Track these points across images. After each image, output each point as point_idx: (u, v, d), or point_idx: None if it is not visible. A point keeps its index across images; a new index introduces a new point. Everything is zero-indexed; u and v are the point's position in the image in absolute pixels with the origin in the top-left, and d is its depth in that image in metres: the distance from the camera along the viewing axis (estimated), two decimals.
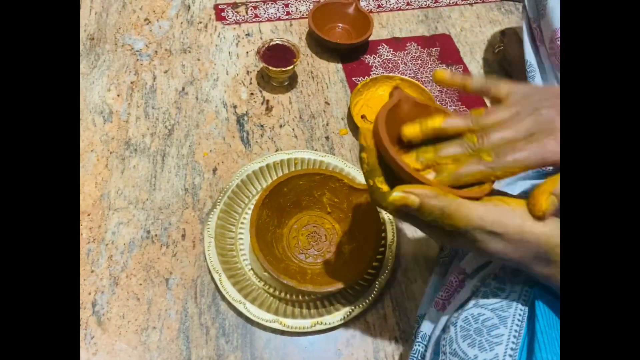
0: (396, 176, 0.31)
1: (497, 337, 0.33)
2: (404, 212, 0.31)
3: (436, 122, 0.33)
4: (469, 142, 0.32)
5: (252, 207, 0.57)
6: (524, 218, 0.29)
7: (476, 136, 0.31)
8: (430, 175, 0.32)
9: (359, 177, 0.59)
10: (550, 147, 0.30)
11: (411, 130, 0.33)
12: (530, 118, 0.32)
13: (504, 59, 0.75)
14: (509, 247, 0.30)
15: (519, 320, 0.34)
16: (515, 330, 0.34)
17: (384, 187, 0.32)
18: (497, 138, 0.31)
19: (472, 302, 0.37)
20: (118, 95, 0.66)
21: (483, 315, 0.35)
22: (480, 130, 0.32)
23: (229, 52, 0.73)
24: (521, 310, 0.35)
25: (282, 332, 0.50)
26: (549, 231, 0.29)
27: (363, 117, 0.66)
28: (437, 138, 0.33)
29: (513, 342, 0.33)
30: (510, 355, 0.32)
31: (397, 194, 0.29)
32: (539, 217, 0.29)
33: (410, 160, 0.32)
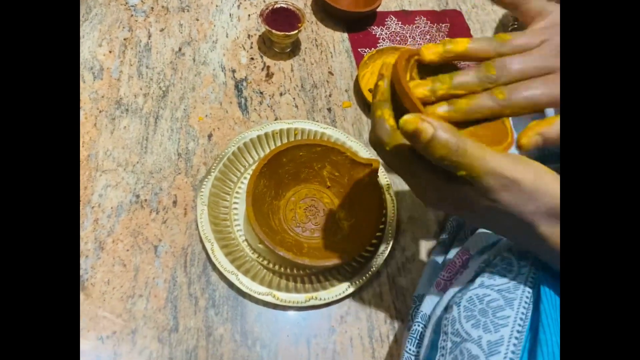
0: (405, 111, 0.28)
1: (503, 318, 0.32)
2: (402, 153, 0.29)
3: (460, 46, 0.31)
4: (486, 73, 0.30)
5: (248, 176, 0.54)
6: (540, 170, 0.28)
7: (494, 67, 0.30)
8: (442, 108, 0.31)
9: (361, 151, 0.56)
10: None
11: (432, 51, 0.31)
12: (553, 53, 0.30)
13: None
14: (522, 198, 0.27)
15: (526, 302, 0.33)
16: (522, 313, 0.32)
17: (391, 121, 0.30)
18: (515, 70, 0.30)
19: (477, 283, 0.35)
20: (110, 52, 0.62)
21: (489, 296, 0.34)
22: (500, 60, 0.30)
23: (230, 14, 0.69)
24: (528, 292, 0.33)
25: (275, 306, 0.48)
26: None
27: (371, 90, 0.63)
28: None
29: (519, 325, 0.31)
30: (517, 338, 0.31)
31: (410, 117, 0.26)
32: (519, 149, 0.29)
33: (422, 95, 0.31)
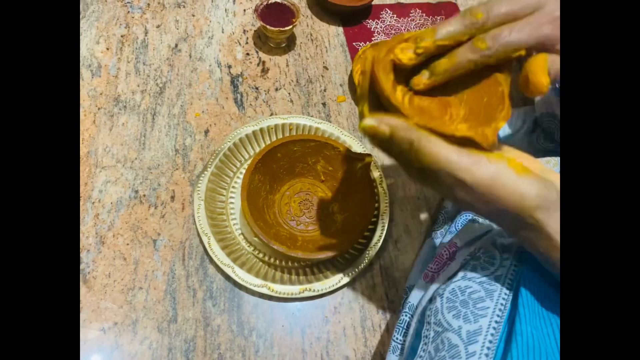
0: (381, 103, 0.30)
1: (483, 309, 0.33)
2: (380, 141, 0.30)
3: (428, 36, 0.30)
4: (472, 18, 0.30)
5: (244, 171, 0.56)
6: (498, 172, 0.27)
7: (481, 11, 0.29)
8: (424, 76, 0.31)
9: (355, 146, 0.57)
10: (548, 31, 0.29)
11: (405, 53, 0.31)
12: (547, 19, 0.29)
13: None
14: (476, 199, 0.28)
15: (505, 294, 0.34)
16: (501, 304, 0.34)
17: (366, 114, 0.30)
18: (501, 12, 0.29)
19: (460, 275, 0.37)
20: (107, 49, 0.63)
21: (470, 288, 0.35)
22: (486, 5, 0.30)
23: (225, 9, 0.70)
24: (509, 284, 0.35)
25: (270, 297, 0.49)
26: (524, 192, 0.27)
27: None
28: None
29: (498, 316, 0.33)
30: (494, 328, 0.32)
31: (368, 122, 0.28)
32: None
33: (400, 92, 0.31)
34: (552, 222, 0.28)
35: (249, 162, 0.56)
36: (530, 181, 0.28)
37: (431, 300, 0.38)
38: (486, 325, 0.32)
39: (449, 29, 0.30)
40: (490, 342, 0.32)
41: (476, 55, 0.30)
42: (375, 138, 0.29)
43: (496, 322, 0.32)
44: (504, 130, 0.62)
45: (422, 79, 0.31)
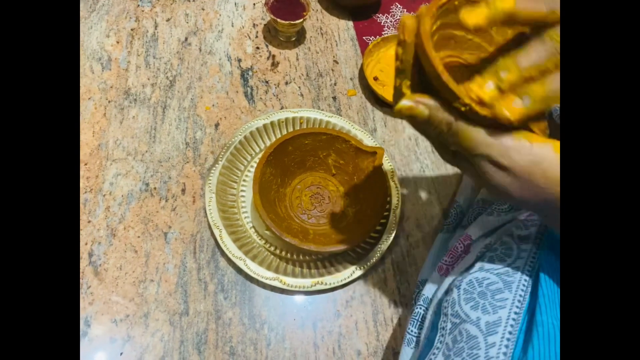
0: (430, 83, 0.26)
1: (502, 300, 0.33)
2: (416, 122, 0.28)
3: (506, 2, 0.25)
4: (552, 42, 0.25)
5: (254, 164, 0.55)
6: (542, 156, 0.25)
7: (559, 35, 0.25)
8: (516, 103, 0.25)
9: (366, 139, 0.57)
10: None
11: (475, 15, 0.25)
12: None
13: None
14: (515, 185, 0.26)
15: (524, 285, 0.34)
16: (520, 295, 0.33)
17: (407, 93, 0.27)
18: None
19: (477, 266, 0.36)
20: (117, 42, 0.63)
21: (488, 279, 0.35)
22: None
23: (235, 3, 0.69)
24: (527, 275, 0.34)
25: (282, 291, 0.49)
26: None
27: (375, 79, 0.63)
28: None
29: (517, 307, 0.32)
30: (514, 319, 0.32)
31: (405, 103, 0.26)
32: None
33: (476, 87, 0.25)
34: None
35: (259, 155, 0.56)
36: None
37: (447, 292, 0.38)
38: (505, 316, 0.32)
39: (533, 60, 0.25)
40: (510, 332, 0.31)
41: None
42: (412, 119, 0.28)
43: (515, 313, 0.32)
44: None
45: (514, 106, 0.25)
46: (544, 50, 0.25)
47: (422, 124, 0.27)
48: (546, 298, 0.31)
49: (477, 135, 0.26)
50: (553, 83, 0.25)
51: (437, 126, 0.27)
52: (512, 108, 0.25)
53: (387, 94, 0.60)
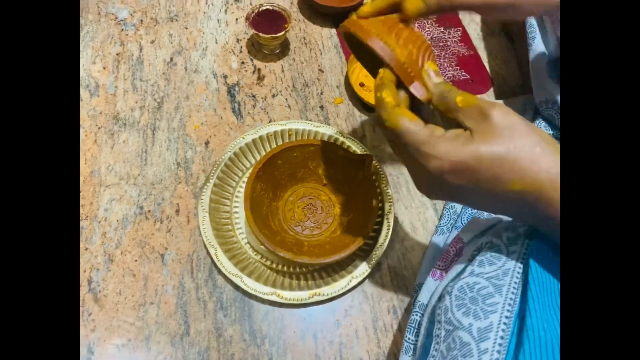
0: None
1: (492, 305, 0.33)
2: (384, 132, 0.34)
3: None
4: None
5: (246, 180, 0.56)
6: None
7: None
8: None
9: (354, 147, 0.57)
10: None
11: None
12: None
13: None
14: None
15: (514, 288, 0.34)
16: (511, 299, 0.33)
17: (389, 99, 0.33)
18: None
19: (467, 271, 0.37)
20: (104, 68, 0.64)
21: (478, 284, 0.35)
22: None
23: (218, 20, 0.70)
24: (517, 278, 0.34)
25: (280, 305, 0.49)
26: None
27: (362, 84, 0.63)
28: None
29: (508, 311, 0.32)
30: (505, 324, 0.32)
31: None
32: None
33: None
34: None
35: (250, 170, 0.56)
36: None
37: (440, 298, 0.38)
38: (497, 321, 0.32)
39: None
40: (502, 337, 0.31)
41: None
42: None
43: (506, 317, 0.32)
44: None
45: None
46: None
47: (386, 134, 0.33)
48: (535, 302, 0.32)
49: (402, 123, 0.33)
50: None
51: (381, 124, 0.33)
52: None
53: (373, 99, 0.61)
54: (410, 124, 0.32)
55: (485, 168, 0.29)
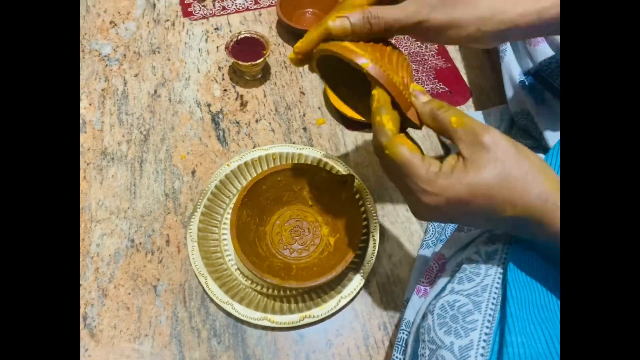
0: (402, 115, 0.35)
1: (472, 322, 0.34)
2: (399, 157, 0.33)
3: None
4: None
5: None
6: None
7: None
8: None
9: (338, 167, 0.59)
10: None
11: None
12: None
13: None
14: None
15: (493, 304, 0.35)
16: (490, 315, 0.34)
17: (389, 125, 0.33)
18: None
19: (448, 289, 0.37)
20: (90, 104, 0.65)
21: (459, 302, 0.36)
22: None
23: (199, 49, 0.71)
24: (495, 294, 0.35)
25: (272, 329, 0.50)
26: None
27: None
28: None
29: (487, 327, 0.33)
30: (485, 341, 0.33)
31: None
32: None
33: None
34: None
35: (235, 198, 0.57)
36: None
37: (424, 317, 0.39)
38: (477, 338, 0.33)
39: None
40: (482, 355, 0.32)
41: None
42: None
43: (486, 334, 0.33)
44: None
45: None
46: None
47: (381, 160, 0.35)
48: (514, 317, 0.32)
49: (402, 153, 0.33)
50: None
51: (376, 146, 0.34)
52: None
53: (355, 113, 0.62)
54: (410, 156, 0.32)
55: (480, 200, 0.30)
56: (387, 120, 0.33)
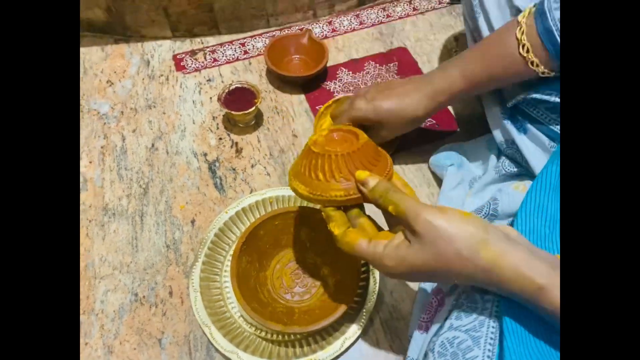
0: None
1: (472, 359, 0.34)
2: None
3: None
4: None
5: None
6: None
7: None
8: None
9: None
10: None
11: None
12: None
13: None
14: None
15: (491, 339, 0.35)
16: (489, 350, 0.35)
17: (336, 230, 0.40)
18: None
19: (447, 325, 0.38)
20: (90, 162, 0.67)
21: (458, 338, 0.36)
22: None
23: (193, 101, 0.74)
24: (493, 327, 0.36)
25: None
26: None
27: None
28: None
29: None
30: None
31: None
32: None
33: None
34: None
35: (234, 245, 0.58)
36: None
37: (425, 355, 0.39)
38: None
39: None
40: None
41: None
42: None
43: None
44: (477, 156, 0.64)
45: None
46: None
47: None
48: (511, 351, 0.33)
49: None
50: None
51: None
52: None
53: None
54: (357, 246, 0.37)
55: (425, 275, 0.35)
56: (334, 226, 0.40)
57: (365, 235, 0.38)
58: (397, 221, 0.37)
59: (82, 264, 0.58)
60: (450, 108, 0.73)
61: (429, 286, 0.54)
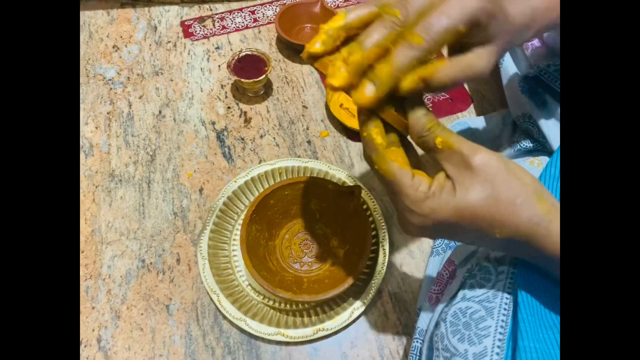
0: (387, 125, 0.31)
1: (485, 329, 0.34)
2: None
3: (338, 20, 0.29)
4: (391, 18, 0.27)
5: (242, 222, 0.57)
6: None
7: (396, 8, 0.28)
8: (369, 88, 0.28)
9: (344, 178, 0.59)
10: (475, 3, 0.28)
11: (314, 46, 0.29)
12: None
13: None
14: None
15: (505, 310, 0.35)
16: (502, 321, 0.34)
17: (378, 139, 0.30)
18: (420, 1, 0.28)
19: (460, 296, 0.38)
20: (96, 128, 0.66)
21: (471, 309, 0.36)
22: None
23: (201, 68, 0.73)
24: (507, 299, 0.35)
25: (287, 343, 0.50)
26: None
27: (341, 105, 0.66)
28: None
29: (500, 333, 0.33)
30: (499, 347, 0.33)
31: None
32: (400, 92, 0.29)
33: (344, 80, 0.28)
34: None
35: (244, 213, 0.58)
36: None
37: (437, 325, 0.39)
38: (490, 345, 0.33)
39: (373, 39, 0.27)
40: None
41: (415, 51, 0.27)
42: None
43: (499, 340, 0.33)
44: (491, 131, 0.63)
45: (366, 93, 0.28)
46: (383, 28, 0.27)
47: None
48: (526, 322, 0.32)
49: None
50: (397, 57, 0.27)
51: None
52: (364, 95, 0.28)
53: (356, 123, 0.62)
54: (399, 174, 0.30)
55: (467, 222, 0.29)
56: (376, 133, 0.30)
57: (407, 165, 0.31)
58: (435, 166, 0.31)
59: (88, 230, 0.58)
60: (465, 84, 0.71)
61: (438, 259, 0.53)
